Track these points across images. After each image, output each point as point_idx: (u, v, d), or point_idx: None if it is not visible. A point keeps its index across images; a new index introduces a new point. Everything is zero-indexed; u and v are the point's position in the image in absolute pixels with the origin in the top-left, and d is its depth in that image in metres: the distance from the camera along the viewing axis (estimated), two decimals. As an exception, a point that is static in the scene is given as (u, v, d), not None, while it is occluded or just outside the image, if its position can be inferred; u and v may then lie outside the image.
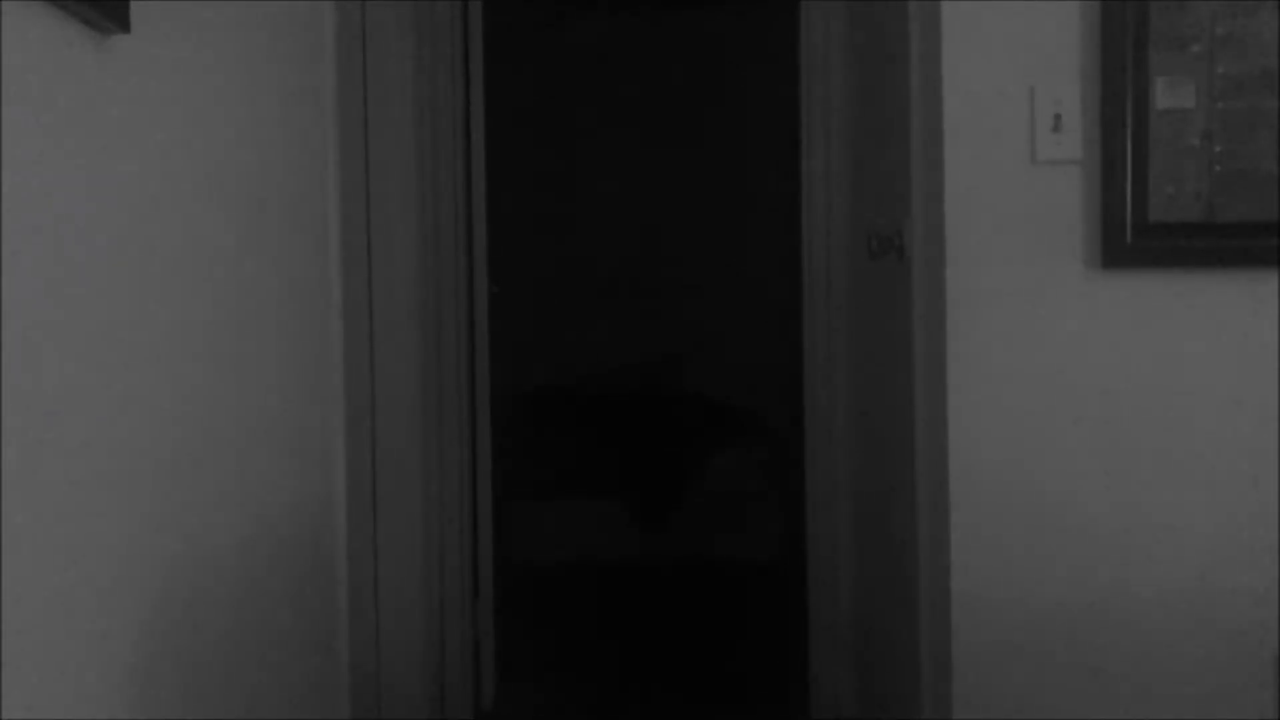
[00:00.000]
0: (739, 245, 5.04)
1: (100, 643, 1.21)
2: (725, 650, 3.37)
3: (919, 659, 1.90)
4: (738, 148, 5.02)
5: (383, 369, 2.29)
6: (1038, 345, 1.79)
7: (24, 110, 1.06)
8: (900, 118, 1.96)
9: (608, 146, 5.09)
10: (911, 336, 1.93)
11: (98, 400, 1.20)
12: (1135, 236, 1.74)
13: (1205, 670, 1.78)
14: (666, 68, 5.05)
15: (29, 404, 1.06)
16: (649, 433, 4.45)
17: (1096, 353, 1.78)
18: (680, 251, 5.10)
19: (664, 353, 5.06)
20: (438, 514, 2.52)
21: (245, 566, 1.62)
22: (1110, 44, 1.74)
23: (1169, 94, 1.73)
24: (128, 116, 1.28)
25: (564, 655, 3.36)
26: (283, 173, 1.84)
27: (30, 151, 1.07)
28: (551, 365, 5.01)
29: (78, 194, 1.17)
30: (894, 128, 2.02)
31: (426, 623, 2.42)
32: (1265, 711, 1.77)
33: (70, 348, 1.15)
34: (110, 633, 1.23)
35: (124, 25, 1.23)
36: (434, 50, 2.52)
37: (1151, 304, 1.77)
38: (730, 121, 5.04)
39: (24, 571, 1.05)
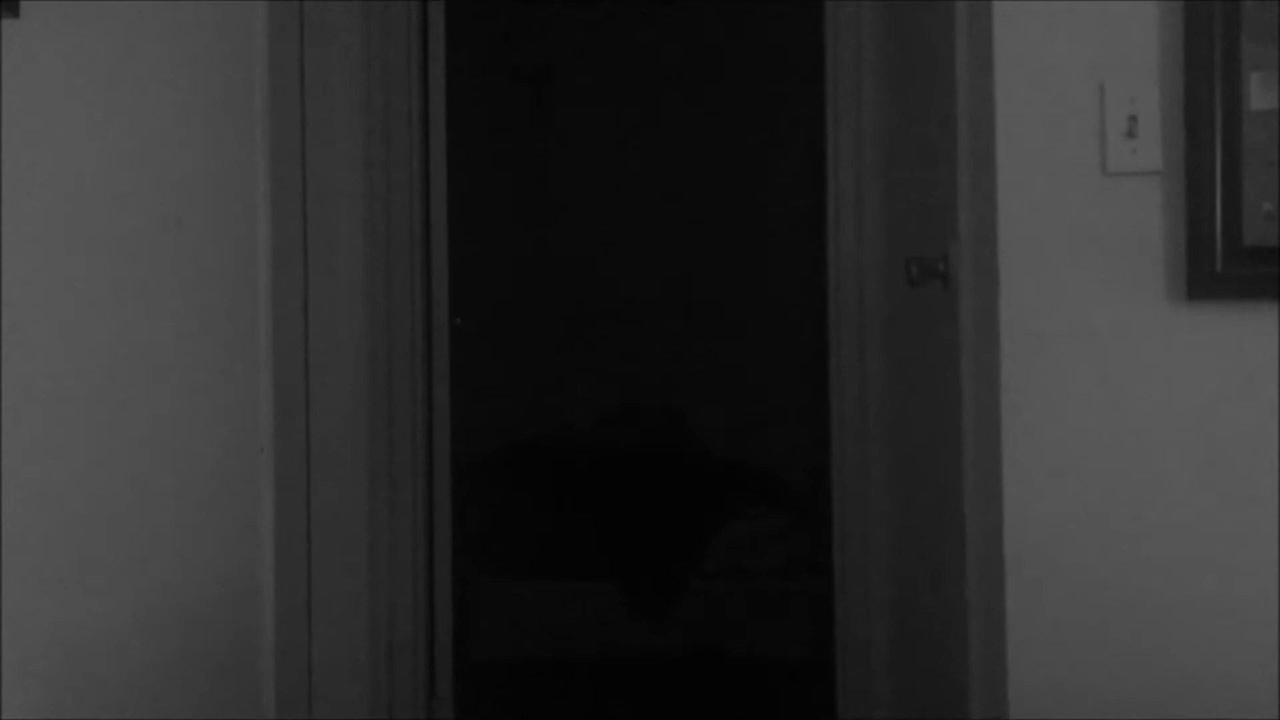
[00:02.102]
0: (752, 272, 5.06)
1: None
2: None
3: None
4: (751, 156, 5.05)
5: (321, 420, 2.30)
6: (1108, 392, 1.80)
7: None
8: (945, 121, 1.98)
9: (594, 157, 5.12)
10: (959, 380, 1.94)
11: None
12: (1226, 263, 1.75)
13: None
14: (666, 63, 5.09)
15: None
16: (645, 498, 4.44)
17: (1179, 402, 1.79)
18: (682, 280, 5.11)
19: (662, 400, 5.06)
20: (386, 595, 2.51)
21: (146, 655, 1.62)
22: (1195, 33, 1.75)
23: (1265, 92, 1.74)
24: (11, 110, 1.29)
25: (540, 771, 3.33)
26: (201, 185, 1.86)
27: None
28: (526, 415, 5.00)
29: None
30: (937, 133, 2.04)
31: (371, 730, 2.41)
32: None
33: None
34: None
35: (12, 10, 1.25)
36: (386, 54, 2.55)
37: (1245, 344, 1.78)
38: (742, 125, 5.07)
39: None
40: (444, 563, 2.84)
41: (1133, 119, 1.78)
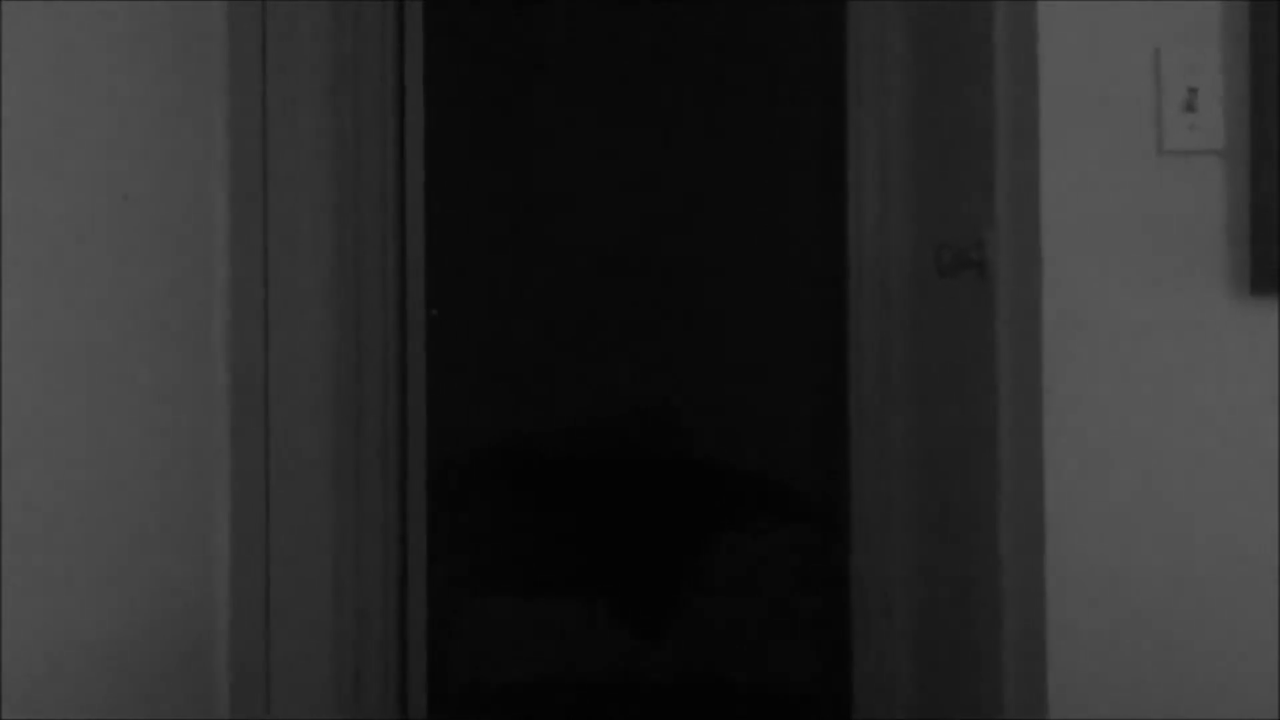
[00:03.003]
0: (760, 259, 5.04)
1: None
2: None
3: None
4: (760, 135, 5.03)
5: (282, 419, 2.29)
6: (1161, 393, 1.79)
7: None
8: (981, 94, 1.96)
9: (587, 136, 5.10)
10: (995, 381, 1.93)
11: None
12: (1294, 252, 1.74)
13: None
14: (667, 36, 5.07)
15: None
16: (639, 508, 4.43)
17: (1238, 404, 1.78)
18: (680, 267, 5.09)
19: (659, 401, 5.04)
20: (353, 614, 2.50)
21: (85, 689, 1.59)
22: (1261, -5, 1.75)
23: (1338, 63, 1.74)
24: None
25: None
26: (151, 157, 1.84)
27: None
28: (509, 415, 4.98)
29: None
30: (972, 107, 2.02)
31: (337, 764, 2.40)
32: None
33: None
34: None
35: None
36: (359, 15, 2.54)
37: (1317, 342, 1.77)
38: (750, 101, 5.05)
39: None
40: (418, 578, 2.83)
41: (1192, 91, 1.76)
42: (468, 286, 4.64)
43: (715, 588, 4.23)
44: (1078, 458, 1.79)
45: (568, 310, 5.09)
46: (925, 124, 2.47)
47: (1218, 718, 1.77)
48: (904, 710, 2.61)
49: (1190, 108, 1.76)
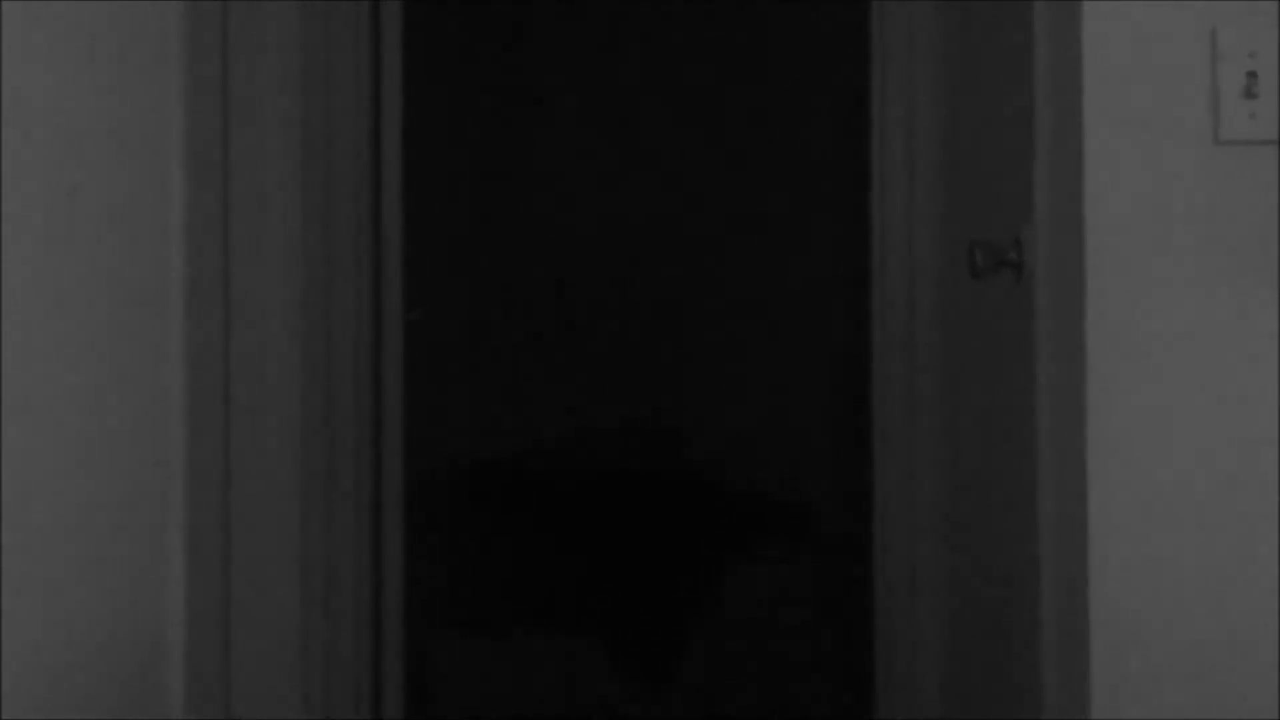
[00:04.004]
0: (774, 258, 5.04)
1: None
2: None
3: None
4: (775, 121, 5.03)
5: (244, 433, 2.29)
6: (1218, 407, 1.78)
7: None
8: (1019, 80, 1.96)
9: (580, 122, 5.11)
10: (1034, 393, 1.93)
11: None
12: (1364, 253, 1.74)
13: None
14: (668, 10, 5.06)
15: None
16: (638, 534, 4.43)
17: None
18: (683, 267, 5.09)
19: (660, 413, 5.04)
20: (321, 652, 2.50)
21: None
22: (1328, -31, 1.75)
23: None
24: None
25: None
26: (102, 145, 1.84)
27: None
28: (495, 428, 4.98)
29: None
30: (1010, 94, 2.02)
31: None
32: None
33: None
34: None
35: None
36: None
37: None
38: (765, 84, 5.05)
39: None
40: (393, 611, 2.83)
41: (1251, 76, 1.76)
42: (450, 288, 4.64)
43: (723, 621, 4.23)
44: (1124, 477, 1.78)
45: (559, 313, 5.09)
46: (957, 112, 2.48)
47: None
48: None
49: (1250, 94, 1.76)
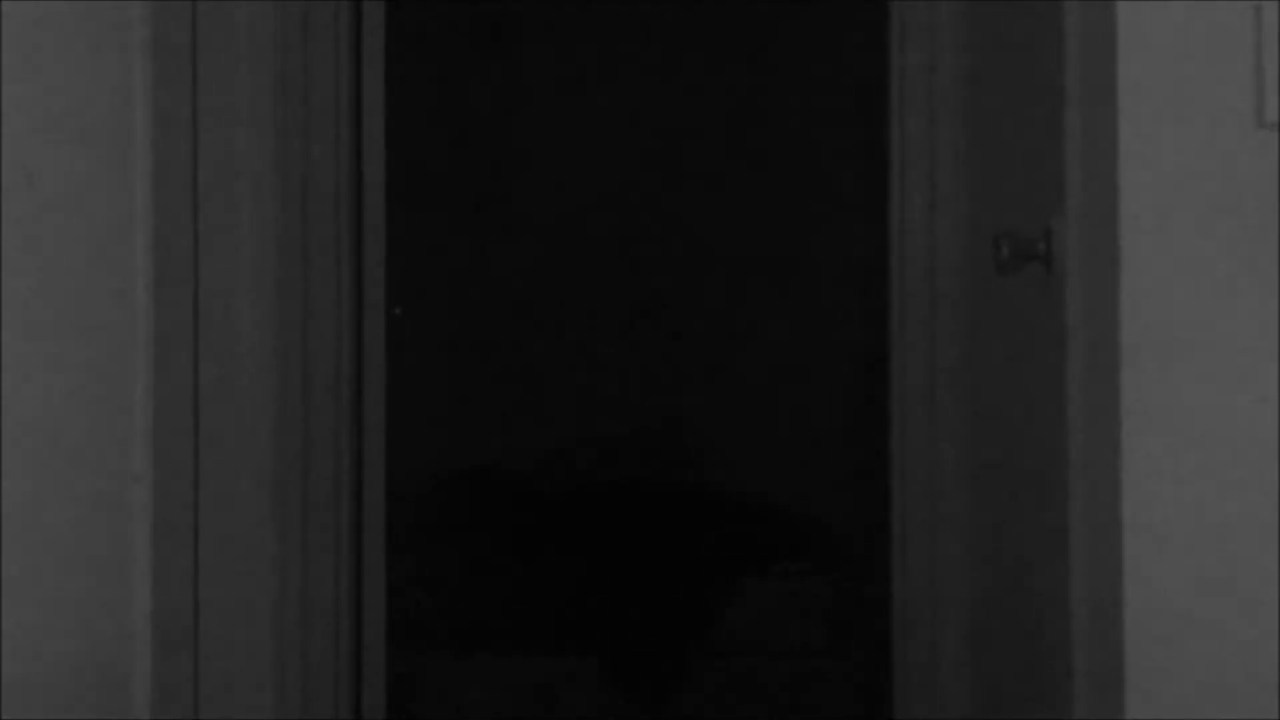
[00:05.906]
0: (785, 251, 5.04)
1: None
2: None
3: None
4: (785, 103, 5.03)
5: (214, 439, 2.28)
6: (1264, 412, 1.76)
7: None
8: (1048, 61, 1.95)
9: (574, 105, 5.10)
10: (1065, 393, 1.92)
11: None
12: None
13: None
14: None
15: None
16: (638, 547, 4.43)
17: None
18: (687, 264, 5.09)
19: (663, 417, 5.04)
20: (298, 677, 2.49)
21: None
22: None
23: None
24: None
25: None
26: (60, 130, 1.83)
27: None
28: (485, 435, 4.98)
29: None
30: (1038, 76, 2.02)
31: None
32: None
33: None
34: None
35: None
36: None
37: None
38: (772, 64, 5.05)
39: None
40: (375, 629, 2.83)
41: (1298, 54, 1.74)
42: (437, 283, 4.64)
43: (731, 641, 4.22)
44: (1162, 487, 1.76)
45: (555, 312, 5.08)
46: (981, 96, 2.47)
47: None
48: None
49: (1297, 74, 1.75)
